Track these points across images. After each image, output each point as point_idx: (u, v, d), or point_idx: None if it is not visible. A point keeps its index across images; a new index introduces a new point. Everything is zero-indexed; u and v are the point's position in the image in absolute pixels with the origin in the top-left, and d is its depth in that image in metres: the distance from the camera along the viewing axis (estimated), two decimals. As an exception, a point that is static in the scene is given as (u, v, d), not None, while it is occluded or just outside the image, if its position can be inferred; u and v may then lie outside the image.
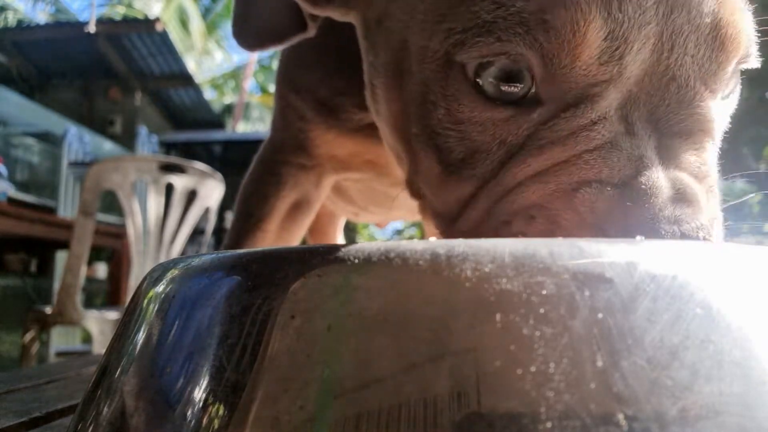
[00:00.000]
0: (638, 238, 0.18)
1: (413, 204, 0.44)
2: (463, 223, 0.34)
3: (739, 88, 0.34)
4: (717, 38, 0.30)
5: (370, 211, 0.78)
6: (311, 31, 0.44)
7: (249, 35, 0.47)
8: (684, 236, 0.26)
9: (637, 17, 0.28)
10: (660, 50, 0.29)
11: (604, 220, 0.28)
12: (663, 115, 0.29)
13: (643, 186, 0.27)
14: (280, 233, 0.58)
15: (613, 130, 0.29)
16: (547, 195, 0.29)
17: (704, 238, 0.27)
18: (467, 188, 0.33)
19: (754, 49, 0.32)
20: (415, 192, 0.41)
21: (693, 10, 0.29)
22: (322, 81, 0.52)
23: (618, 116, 0.29)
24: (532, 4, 0.28)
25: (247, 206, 0.58)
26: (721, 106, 0.32)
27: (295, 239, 0.60)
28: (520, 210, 0.30)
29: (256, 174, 0.59)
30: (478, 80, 0.31)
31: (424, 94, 0.33)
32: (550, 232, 0.29)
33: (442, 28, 0.31)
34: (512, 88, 0.30)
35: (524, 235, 0.30)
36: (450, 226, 0.36)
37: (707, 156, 0.30)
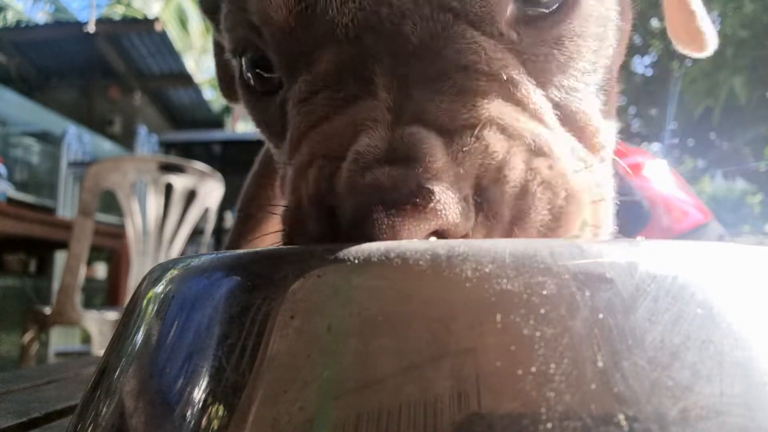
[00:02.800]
0: (639, 238, 0.18)
1: None
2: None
3: None
4: None
5: None
6: None
7: (229, 93, 0.49)
8: (390, 207, 0.21)
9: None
10: None
11: (326, 198, 0.24)
12: (408, 62, 0.24)
13: (352, 154, 0.23)
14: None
15: (338, 97, 0.25)
16: (292, 176, 0.27)
17: (419, 206, 0.21)
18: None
19: None
20: None
21: None
22: None
23: (353, 77, 0.25)
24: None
25: (248, 206, 0.58)
26: (541, 33, 0.26)
27: None
28: (284, 191, 0.29)
29: (258, 175, 0.59)
30: (247, 75, 0.32)
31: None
32: (296, 210, 0.26)
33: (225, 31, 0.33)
34: (268, 77, 0.31)
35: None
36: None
37: (489, 105, 0.24)
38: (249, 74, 0.31)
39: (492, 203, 0.22)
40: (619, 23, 0.30)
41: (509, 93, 0.24)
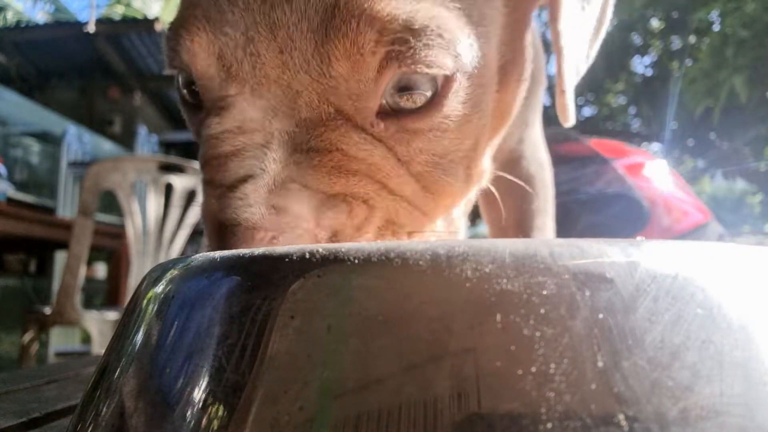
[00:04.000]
0: (639, 238, 0.18)
1: None
2: None
3: (452, 90, 0.31)
4: (323, 55, 0.29)
5: None
6: None
7: None
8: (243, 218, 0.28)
9: (239, 37, 0.30)
10: (278, 68, 0.29)
11: (207, 216, 0.31)
12: (304, 130, 0.30)
13: (240, 186, 0.29)
14: None
15: (241, 140, 0.30)
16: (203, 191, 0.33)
17: (253, 220, 0.28)
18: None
19: (427, 67, 0.29)
20: None
21: (292, 27, 0.29)
22: None
23: (258, 125, 0.30)
24: (176, 23, 0.33)
25: None
26: (405, 125, 0.31)
27: None
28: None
29: None
30: (183, 90, 0.36)
31: None
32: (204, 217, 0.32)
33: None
34: (193, 96, 0.35)
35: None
36: None
37: (353, 181, 0.30)
38: (184, 90, 0.36)
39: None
40: (489, 107, 0.36)
41: (372, 172, 0.31)
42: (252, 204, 0.28)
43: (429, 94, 0.31)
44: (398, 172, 0.32)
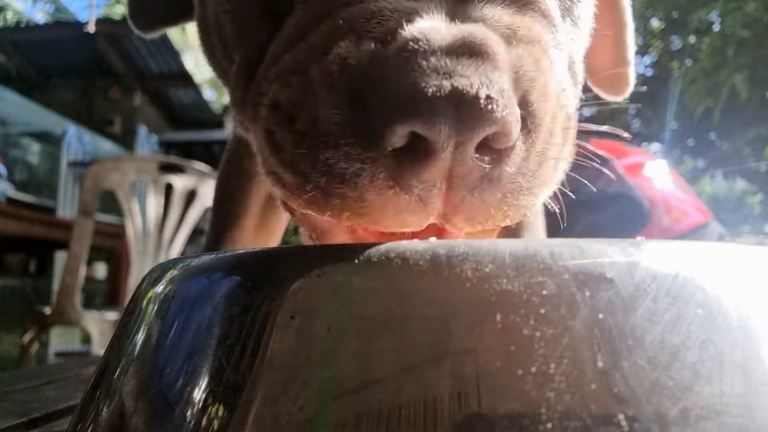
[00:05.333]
0: (639, 238, 0.18)
1: None
2: (234, 93, 0.30)
3: None
4: None
5: None
6: None
7: (141, 18, 0.47)
8: (458, 92, 0.19)
9: None
10: None
11: (358, 79, 0.21)
12: None
13: (407, 35, 0.20)
14: (257, 229, 0.58)
15: None
16: (301, 57, 0.24)
17: (490, 98, 0.19)
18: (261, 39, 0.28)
19: None
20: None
21: None
22: None
23: None
24: None
25: (222, 204, 0.58)
26: None
27: (276, 233, 0.60)
28: (277, 76, 0.25)
29: (225, 171, 0.59)
30: None
31: None
32: (302, 95, 0.23)
33: None
34: None
35: (279, 102, 0.24)
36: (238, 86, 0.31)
37: (531, 22, 0.24)
38: None
39: (535, 120, 0.22)
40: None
41: (548, 23, 0.25)
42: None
43: None
44: (561, 25, 0.27)
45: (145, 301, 0.22)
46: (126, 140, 4.83)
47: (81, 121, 4.16)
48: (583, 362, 0.14)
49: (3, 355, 2.75)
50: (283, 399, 0.16)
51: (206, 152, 5.74)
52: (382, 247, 0.17)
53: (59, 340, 2.58)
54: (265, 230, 0.58)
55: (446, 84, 0.19)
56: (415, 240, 0.18)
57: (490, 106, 0.19)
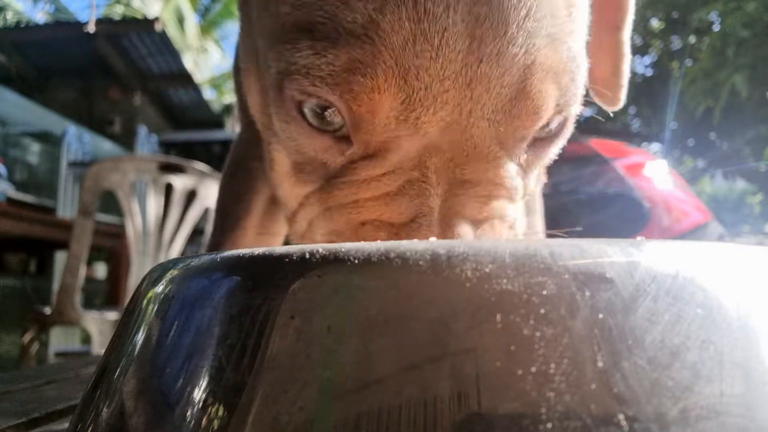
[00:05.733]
0: (639, 238, 0.18)
1: None
2: (296, 225, 0.39)
3: (570, 122, 0.37)
4: (514, 108, 0.32)
5: None
6: None
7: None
8: None
9: (434, 85, 0.30)
10: (459, 113, 0.31)
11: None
12: (458, 164, 0.32)
13: (414, 225, 0.31)
14: (260, 229, 0.58)
15: (402, 179, 0.32)
16: (342, 226, 0.34)
17: None
18: (304, 189, 0.37)
19: (569, 110, 0.34)
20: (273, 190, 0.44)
21: (494, 82, 0.31)
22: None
23: (415, 162, 0.32)
24: (341, 59, 0.30)
25: (225, 205, 0.58)
26: (537, 150, 0.36)
27: (277, 235, 0.60)
28: (326, 234, 0.35)
29: (229, 172, 0.59)
30: (302, 108, 0.33)
31: (269, 97, 0.36)
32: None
33: (275, 49, 0.33)
34: (329, 121, 0.33)
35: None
36: (289, 220, 0.40)
37: (496, 204, 0.33)
38: (309, 112, 0.33)
39: None
40: None
41: (510, 196, 0.34)
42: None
43: (558, 124, 0.36)
44: (518, 192, 0.35)
45: (145, 301, 0.22)
46: (126, 140, 4.83)
47: (81, 121, 4.16)
48: (583, 362, 0.14)
49: (3, 355, 2.75)
50: (283, 399, 0.16)
51: (206, 152, 5.74)
52: (382, 247, 0.17)
53: (59, 340, 2.58)
54: (268, 232, 0.58)
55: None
56: (415, 240, 0.18)
57: None
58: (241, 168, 0.58)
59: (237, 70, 0.55)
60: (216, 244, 0.57)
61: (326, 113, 0.32)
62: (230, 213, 0.57)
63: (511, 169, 0.34)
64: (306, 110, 0.33)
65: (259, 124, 0.42)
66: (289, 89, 0.32)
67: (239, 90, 0.55)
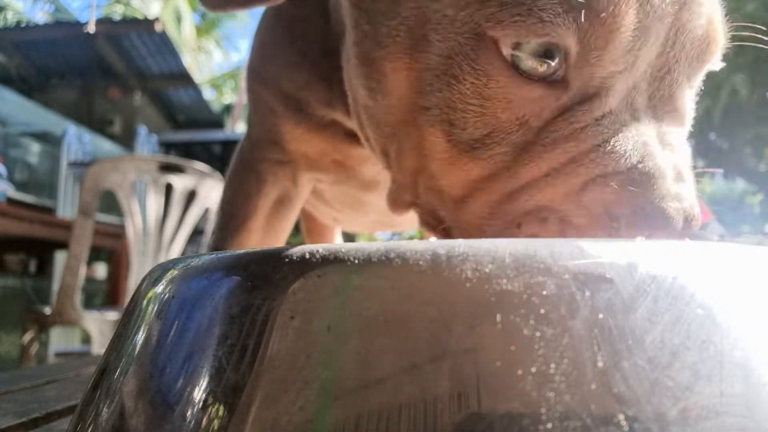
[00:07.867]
0: (639, 238, 0.18)
1: (386, 208, 0.43)
2: (468, 212, 0.34)
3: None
4: (706, 40, 0.33)
5: (346, 215, 0.77)
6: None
7: None
8: (685, 211, 0.29)
9: (659, 11, 0.30)
10: (665, 45, 0.32)
11: (613, 209, 0.30)
12: (658, 103, 0.33)
13: (648, 170, 0.30)
14: (264, 232, 0.57)
15: (618, 122, 0.31)
16: (557, 197, 0.31)
17: (694, 212, 0.30)
18: (478, 170, 0.33)
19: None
20: (401, 194, 0.40)
21: (694, 9, 0.32)
22: (286, 74, 0.50)
23: (625, 104, 0.32)
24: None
25: (230, 205, 0.57)
26: (692, 96, 0.36)
27: (281, 238, 0.60)
28: (531, 212, 0.32)
29: (236, 172, 0.58)
30: (515, 53, 0.31)
31: (447, 66, 0.33)
32: (563, 233, 0.31)
33: (473, 6, 0.31)
34: (546, 65, 0.31)
35: (537, 236, 0.31)
36: (455, 209, 0.35)
37: (682, 140, 0.34)
38: (526, 55, 0.31)
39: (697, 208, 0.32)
40: None
41: (685, 126, 0.34)
42: (678, 198, 0.30)
43: None
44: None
45: (145, 301, 0.22)
46: (126, 140, 4.83)
47: (81, 121, 4.16)
48: (583, 362, 0.14)
49: (3, 355, 2.75)
50: (283, 399, 0.16)
51: (206, 152, 5.74)
52: (382, 247, 0.17)
53: (59, 340, 2.58)
54: (271, 233, 0.58)
55: (679, 206, 0.30)
56: (415, 240, 0.18)
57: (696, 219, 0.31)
58: (249, 169, 0.57)
59: (251, 73, 0.54)
60: (218, 244, 0.56)
61: (546, 53, 0.30)
62: (235, 214, 0.56)
63: (690, 105, 0.35)
64: (518, 56, 0.31)
65: (390, 113, 0.38)
66: (501, 35, 0.30)
67: (251, 90, 0.55)
